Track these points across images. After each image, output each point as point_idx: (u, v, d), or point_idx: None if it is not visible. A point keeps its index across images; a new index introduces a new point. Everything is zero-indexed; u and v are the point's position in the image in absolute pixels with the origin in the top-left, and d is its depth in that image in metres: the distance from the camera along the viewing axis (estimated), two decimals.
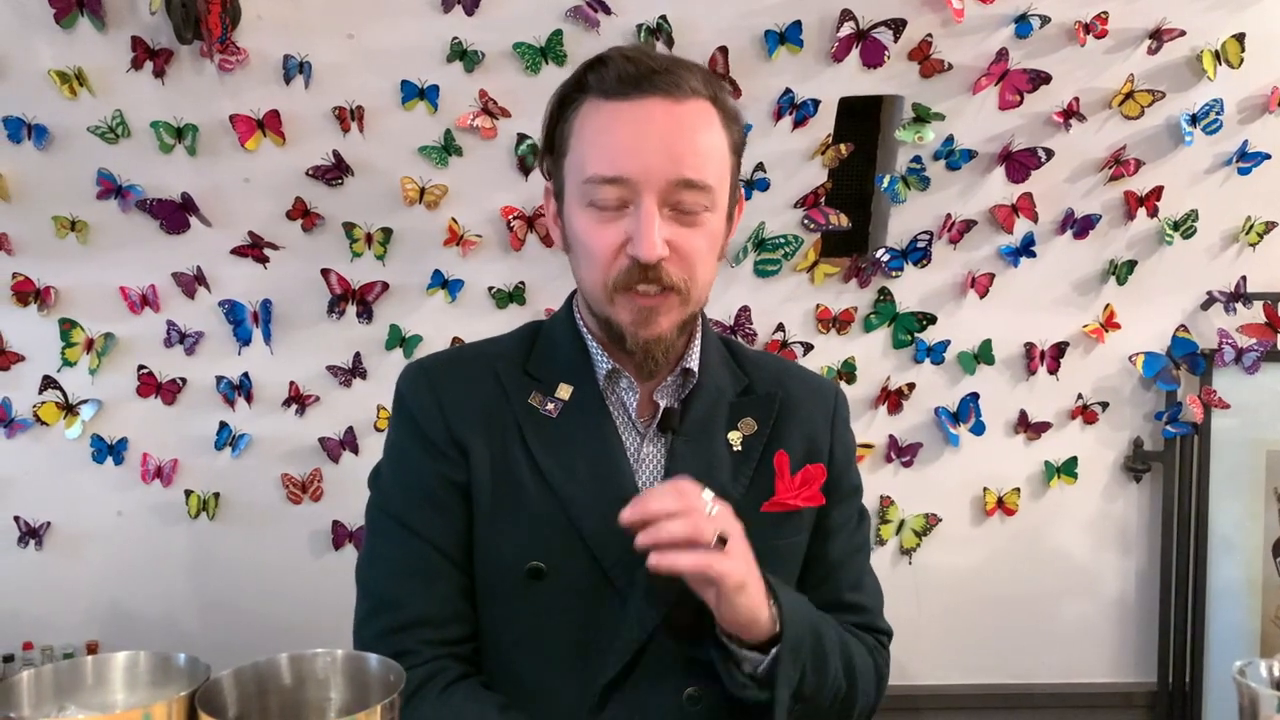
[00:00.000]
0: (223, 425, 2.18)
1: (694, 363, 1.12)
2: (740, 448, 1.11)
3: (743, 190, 1.17)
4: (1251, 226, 2.24)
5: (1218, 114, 2.10)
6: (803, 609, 1.04)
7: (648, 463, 1.10)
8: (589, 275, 1.05)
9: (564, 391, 1.11)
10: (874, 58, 2.00)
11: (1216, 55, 2.05)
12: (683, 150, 1.01)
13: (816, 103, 2.05)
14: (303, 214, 2.07)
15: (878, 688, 1.17)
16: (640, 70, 1.01)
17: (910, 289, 2.24)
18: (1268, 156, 2.15)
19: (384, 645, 1.02)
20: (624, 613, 1.04)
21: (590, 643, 1.06)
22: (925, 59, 2.02)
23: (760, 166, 2.10)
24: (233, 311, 2.14)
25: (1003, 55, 2.02)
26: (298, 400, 2.19)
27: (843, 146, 2.11)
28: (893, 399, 2.28)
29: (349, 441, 2.21)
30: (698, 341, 1.14)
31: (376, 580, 1.10)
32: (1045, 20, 1.98)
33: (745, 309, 2.21)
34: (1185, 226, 2.22)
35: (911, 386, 2.28)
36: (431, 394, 1.11)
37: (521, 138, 2.04)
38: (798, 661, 1.00)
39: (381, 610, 1.08)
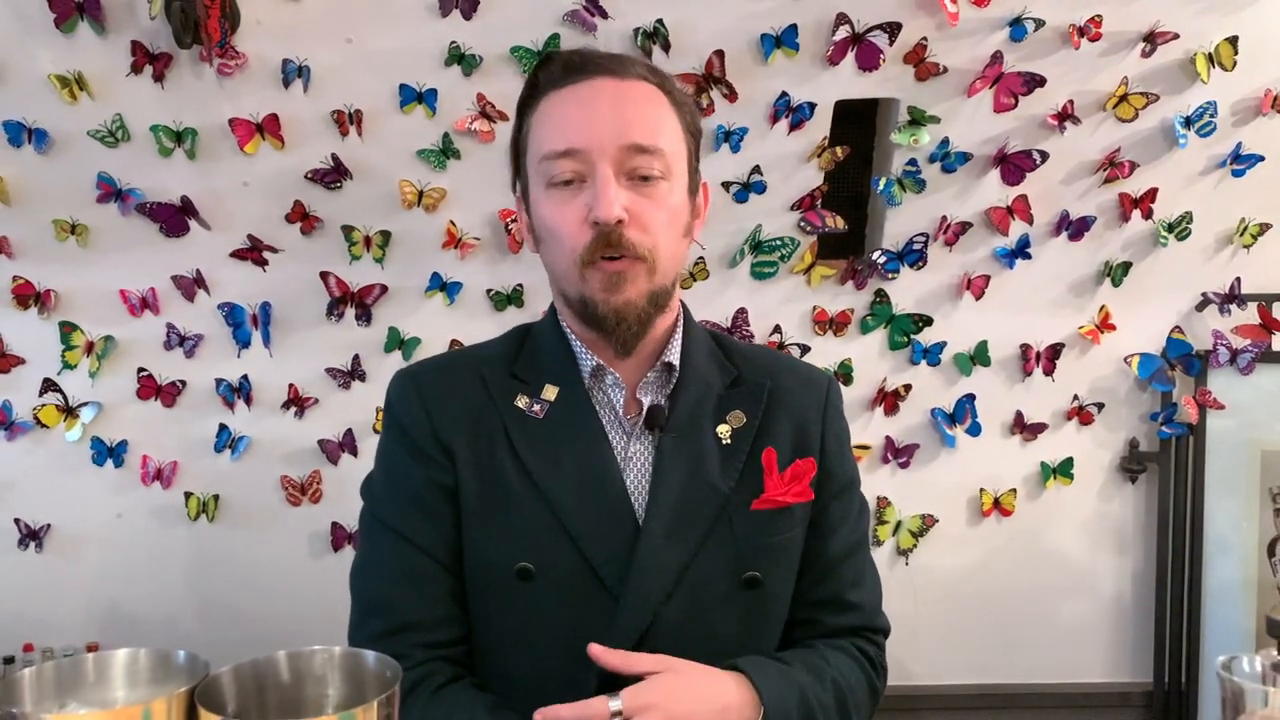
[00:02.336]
0: (222, 427, 2.19)
1: (674, 357, 1.13)
2: (729, 441, 1.11)
3: (705, 181, 1.18)
4: (1245, 228, 2.25)
5: (1211, 116, 2.11)
6: (787, 691, 1.04)
7: (635, 461, 1.10)
8: (558, 257, 1.07)
9: (550, 392, 1.11)
10: (869, 61, 2.01)
11: (1210, 58, 2.06)
12: (630, 117, 1.04)
13: (812, 106, 2.06)
14: (301, 217, 2.08)
15: (872, 700, 1.16)
16: (585, 58, 1.07)
17: (906, 291, 2.25)
18: (1261, 158, 2.16)
19: (376, 649, 1.03)
20: (615, 612, 1.05)
21: (581, 643, 1.06)
22: (920, 62, 2.03)
23: (757, 169, 2.11)
24: (232, 314, 2.15)
25: (997, 58, 2.03)
26: (297, 402, 2.19)
27: (839, 149, 2.12)
28: (889, 400, 2.29)
29: (348, 443, 2.22)
30: (678, 335, 1.15)
31: (368, 585, 1.12)
32: (1039, 23, 1.99)
33: (742, 311, 2.22)
34: (1180, 228, 2.23)
35: (908, 388, 2.29)
36: (419, 400, 1.12)
37: None
38: None
39: (373, 615, 1.10)
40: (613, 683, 1.05)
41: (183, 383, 2.18)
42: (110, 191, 2.03)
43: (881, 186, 2.15)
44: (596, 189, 1.02)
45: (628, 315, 1.06)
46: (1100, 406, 2.33)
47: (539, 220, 1.08)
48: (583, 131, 1.03)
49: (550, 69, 1.07)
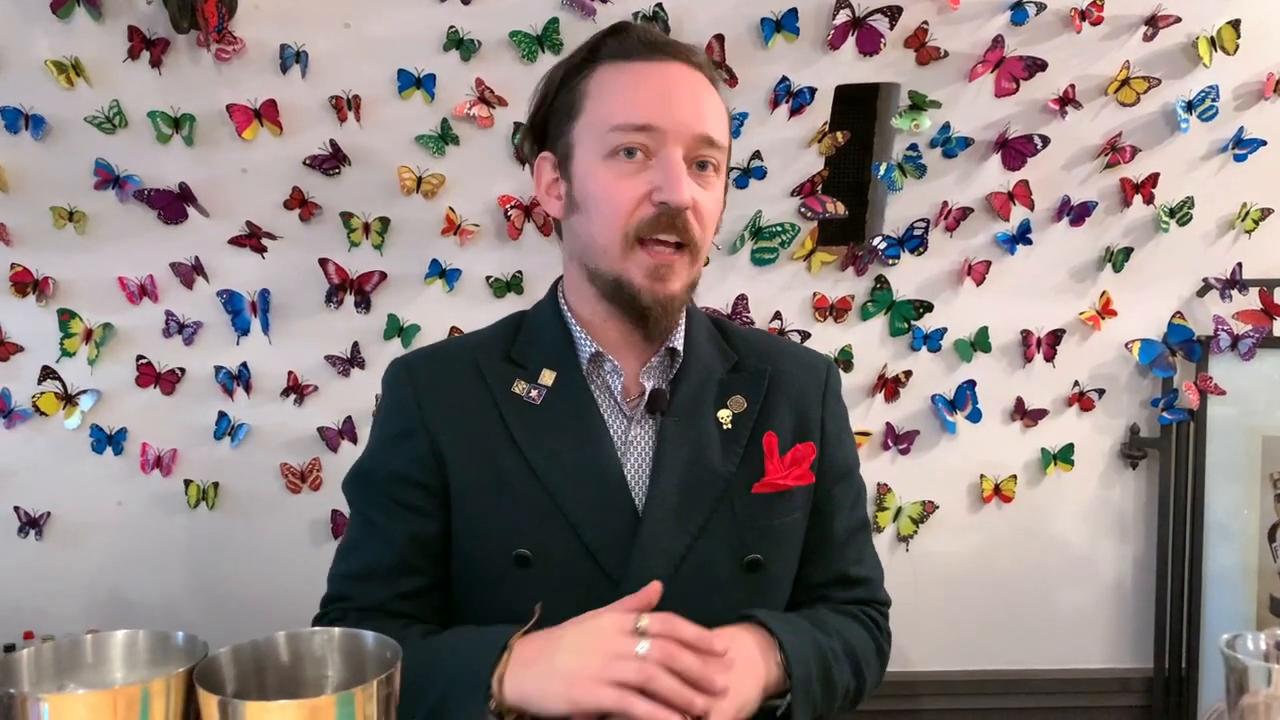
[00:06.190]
0: (222, 415, 2.19)
1: (679, 342, 1.13)
2: (730, 426, 1.12)
3: (731, 179, 1.20)
4: (1247, 213, 2.24)
5: (1213, 101, 2.11)
6: (805, 645, 1.05)
7: (636, 445, 1.10)
8: (605, 230, 1.05)
9: (547, 377, 1.11)
10: (870, 45, 2.01)
11: (1212, 42, 2.06)
12: (705, 108, 1.06)
13: (813, 91, 2.05)
14: (300, 204, 2.08)
15: (880, 663, 1.19)
16: (662, 38, 1.08)
17: (907, 277, 2.25)
18: (1264, 143, 2.15)
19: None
20: (615, 597, 1.05)
21: None
22: (921, 46, 2.02)
23: (757, 155, 2.10)
24: (231, 301, 2.14)
25: (999, 42, 2.02)
26: (296, 390, 2.19)
27: (839, 134, 2.12)
28: (890, 387, 2.28)
29: (348, 431, 2.22)
30: (682, 321, 1.15)
31: (335, 572, 1.16)
32: (1041, 7, 1.99)
33: (743, 297, 2.22)
34: (1181, 213, 2.22)
35: (908, 374, 2.28)
36: (412, 389, 1.13)
37: (518, 126, 2.04)
38: (809, 701, 1.02)
39: (335, 599, 1.14)
40: None
41: (182, 370, 2.17)
42: (108, 178, 2.02)
43: (882, 172, 2.15)
44: (668, 171, 1.02)
45: (671, 307, 1.08)
46: (1101, 392, 2.32)
47: (585, 188, 1.07)
48: (663, 111, 1.03)
49: (625, 40, 1.07)
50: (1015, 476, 2.34)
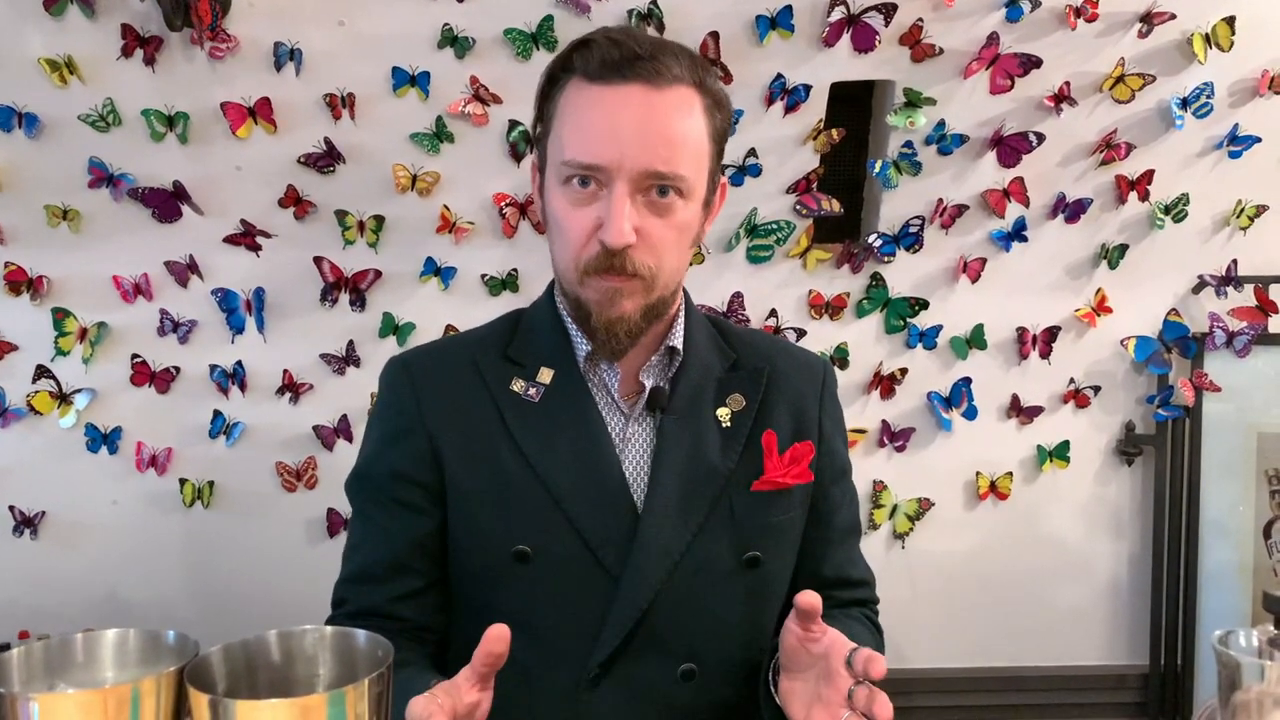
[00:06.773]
0: (216, 414, 2.18)
1: (678, 341, 1.14)
2: (729, 424, 1.13)
3: (726, 178, 1.18)
4: (1242, 210, 2.24)
5: (1208, 97, 2.11)
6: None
7: (634, 443, 1.11)
8: (562, 255, 1.07)
9: (545, 375, 1.12)
10: (865, 42, 2.00)
11: (1207, 38, 2.06)
12: (657, 141, 1.01)
13: (808, 88, 2.05)
14: (295, 202, 2.07)
15: None
16: (624, 55, 1.01)
17: (902, 274, 2.25)
18: (1258, 140, 2.16)
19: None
20: (615, 592, 1.05)
21: (582, 623, 1.07)
22: (916, 43, 2.02)
23: (752, 152, 2.10)
24: (226, 300, 2.14)
25: (993, 39, 2.02)
26: (291, 388, 2.19)
27: (834, 132, 2.11)
28: (885, 384, 2.28)
29: (343, 429, 2.21)
30: (681, 320, 1.15)
31: (340, 575, 1.16)
32: (1036, 4, 1.98)
33: (738, 295, 2.22)
34: (1176, 210, 2.22)
35: (904, 371, 2.28)
36: (410, 388, 1.13)
37: (513, 124, 2.04)
38: None
39: (338, 604, 1.15)
40: (612, 666, 1.06)
41: (176, 369, 2.17)
42: (102, 177, 2.02)
43: (877, 169, 2.15)
44: (610, 211, 1.00)
45: (618, 330, 1.06)
46: (1096, 389, 2.33)
47: (549, 209, 1.08)
48: (606, 148, 1.00)
49: (587, 56, 1.03)
50: (1011, 474, 2.34)
